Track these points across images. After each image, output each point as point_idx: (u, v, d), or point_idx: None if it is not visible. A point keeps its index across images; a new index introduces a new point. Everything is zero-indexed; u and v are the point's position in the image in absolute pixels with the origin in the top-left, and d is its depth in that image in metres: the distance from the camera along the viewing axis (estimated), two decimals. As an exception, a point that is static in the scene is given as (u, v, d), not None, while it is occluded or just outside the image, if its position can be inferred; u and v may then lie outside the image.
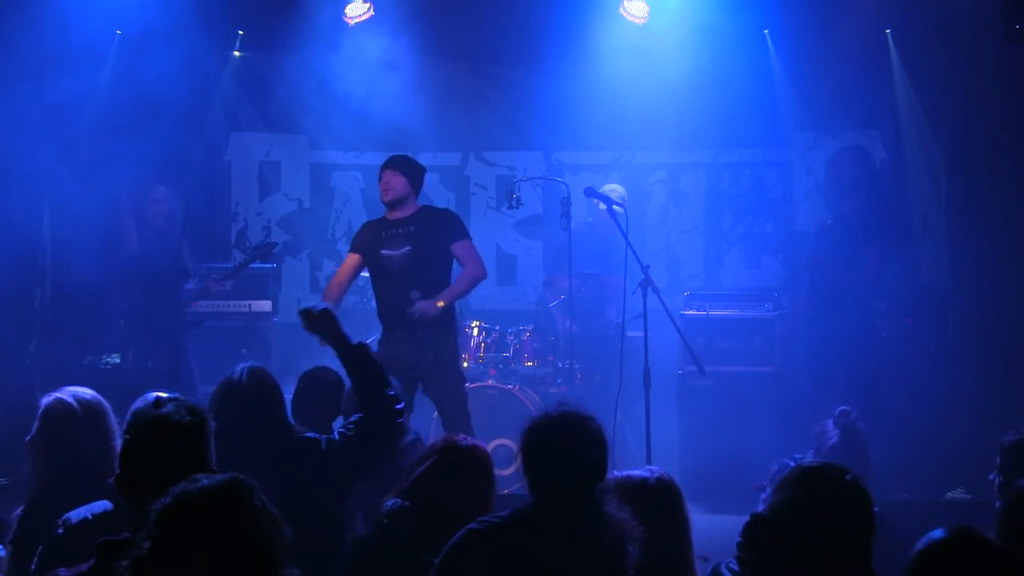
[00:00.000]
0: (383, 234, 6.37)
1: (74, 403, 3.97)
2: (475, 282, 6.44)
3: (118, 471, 2.90)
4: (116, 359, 7.09)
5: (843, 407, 4.64)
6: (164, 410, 2.86)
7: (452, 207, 9.08)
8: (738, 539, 2.76)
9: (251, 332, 7.86)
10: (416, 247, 6.30)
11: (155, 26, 7.58)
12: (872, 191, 7.11)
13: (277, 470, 3.78)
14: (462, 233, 6.42)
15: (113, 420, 4.00)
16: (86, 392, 4.06)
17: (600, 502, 3.08)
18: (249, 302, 7.85)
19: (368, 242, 6.43)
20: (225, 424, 3.92)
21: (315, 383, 5.02)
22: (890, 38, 8.26)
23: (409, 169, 6.40)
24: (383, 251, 6.31)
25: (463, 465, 3.59)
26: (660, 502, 3.36)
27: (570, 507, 3.06)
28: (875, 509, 2.74)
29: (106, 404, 4.04)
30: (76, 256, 7.27)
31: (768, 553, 2.71)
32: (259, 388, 4.06)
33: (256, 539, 2.15)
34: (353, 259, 6.48)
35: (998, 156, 7.61)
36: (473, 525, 3.12)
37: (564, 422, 3.15)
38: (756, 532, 2.74)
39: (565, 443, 3.10)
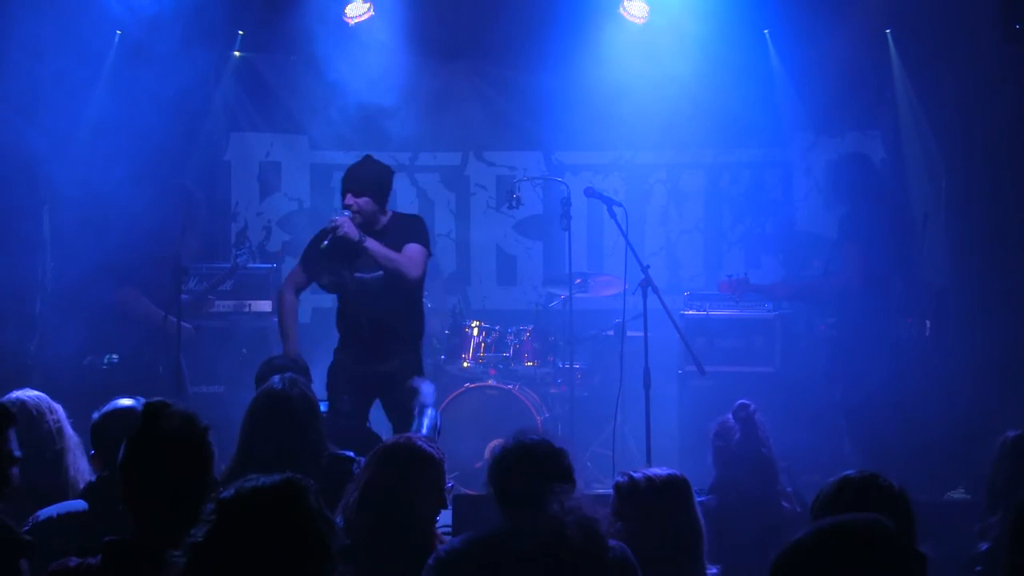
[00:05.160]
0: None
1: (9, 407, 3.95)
2: (402, 266, 5.78)
3: (119, 474, 2.90)
4: (115, 359, 7.08)
5: (741, 400, 4.66)
6: (170, 415, 2.87)
7: (452, 207, 9.12)
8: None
9: (251, 332, 7.85)
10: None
11: (155, 26, 7.58)
12: (872, 196, 7.05)
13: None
14: (417, 237, 5.93)
15: (45, 424, 3.96)
16: (27, 395, 4.03)
17: (573, 507, 3.18)
18: (249, 302, 7.84)
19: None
20: (263, 432, 3.92)
21: (271, 373, 5.06)
22: (890, 38, 8.27)
23: (371, 186, 5.94)
24: (356, 273, 5.94)
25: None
26: (670, 500, 3.39)
27: (536, 520, 3.16)
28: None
29: (33, 408, 3.99)
30: (76, 256, 7.28)
31: None
32: (301, 399, 4.05)
33: (312, 536, 2.22)
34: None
35: (998, 156, 7.59)
36: (442, 549, 3.25)
37: (524, 452, 3.31)
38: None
39: (531, 470, 3.26)
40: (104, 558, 2.76)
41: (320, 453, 3.98)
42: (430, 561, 3.25)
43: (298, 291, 6.06)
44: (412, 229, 5.96)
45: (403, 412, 5.45)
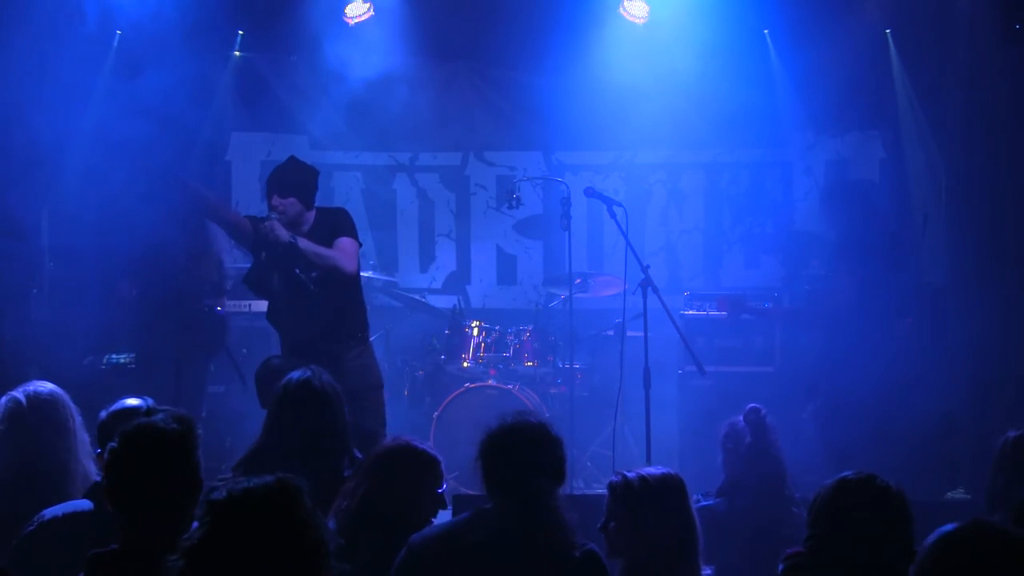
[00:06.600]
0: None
1: (23, 400, 3.94)
2: (337, 260, 5.73)
3: (104, 479, 2.87)
4: (120, 358, 7.08)
5: (753, 404, 4.67)
6: (154, 419, 2.85)
7: (452, 207, 9.12)
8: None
9: (251, 332, 7.84)
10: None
11: (155, 26, 7.58)
12: (867, 217, 7.06)
13: (333, 480, 3.77)
14: (345, 230, 5.88)
15: (72, 415, 3.96)
16: (44, 387, 4.02)
17: (553, 504, 3.22)
18: (249, 302, 7.83)
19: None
20: (292, 420, 3.92)
21: (269, 373, 5.07)
22: (890, 38, 8.27)
23: (296, 186, 5.88)
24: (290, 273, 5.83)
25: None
26: (664, 500, 3.38)
27: (524, 509, 3.20)
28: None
29: (63, 399, 3.99)
30: (75, 257, 7.27)
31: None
32: (332, 389, 4.05)
33: (305, 536, 2.21)
34: None
35: (998, 156, 7.60)
36: (415, 537, 3.29)
37: (519, 431, 3.31)
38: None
39: (522, 451, 3.27)
40: (88, 572, 2.72)
41: (344, 447, 3.98)
42: (403, 551, 3.27)
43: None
44: (338, 223, 5.90)
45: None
